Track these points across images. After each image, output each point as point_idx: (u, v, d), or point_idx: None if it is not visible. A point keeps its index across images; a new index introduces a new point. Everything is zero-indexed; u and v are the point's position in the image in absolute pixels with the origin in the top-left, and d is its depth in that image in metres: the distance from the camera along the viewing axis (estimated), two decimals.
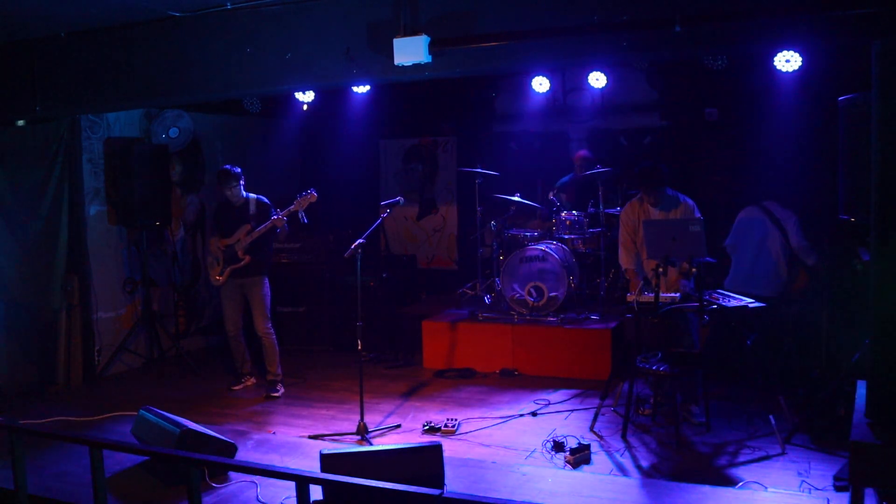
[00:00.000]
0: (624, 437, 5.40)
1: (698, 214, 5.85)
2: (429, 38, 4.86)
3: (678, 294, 5.46)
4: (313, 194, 6.44)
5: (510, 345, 7.25)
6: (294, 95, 7.82)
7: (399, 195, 6.29)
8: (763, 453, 5.02)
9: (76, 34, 6.21)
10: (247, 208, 6.74)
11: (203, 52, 5.80)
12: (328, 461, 4.22)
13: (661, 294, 5.27)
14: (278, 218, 6.56)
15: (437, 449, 4.33)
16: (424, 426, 5.75)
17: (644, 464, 4.98)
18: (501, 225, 7.98)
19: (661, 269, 5.25)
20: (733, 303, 5.43)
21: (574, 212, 7.71)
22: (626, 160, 8.09)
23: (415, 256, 9.93)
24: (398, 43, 4.91)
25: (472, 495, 2.95)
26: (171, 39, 5.90)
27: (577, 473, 4.84)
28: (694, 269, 5.20)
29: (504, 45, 4.91)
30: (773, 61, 6.22)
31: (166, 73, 5.98)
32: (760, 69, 6.89)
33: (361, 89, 7.22)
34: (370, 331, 7.62)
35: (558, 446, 5.19)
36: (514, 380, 7.02)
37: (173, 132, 8.14)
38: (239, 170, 6.76)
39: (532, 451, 5.22)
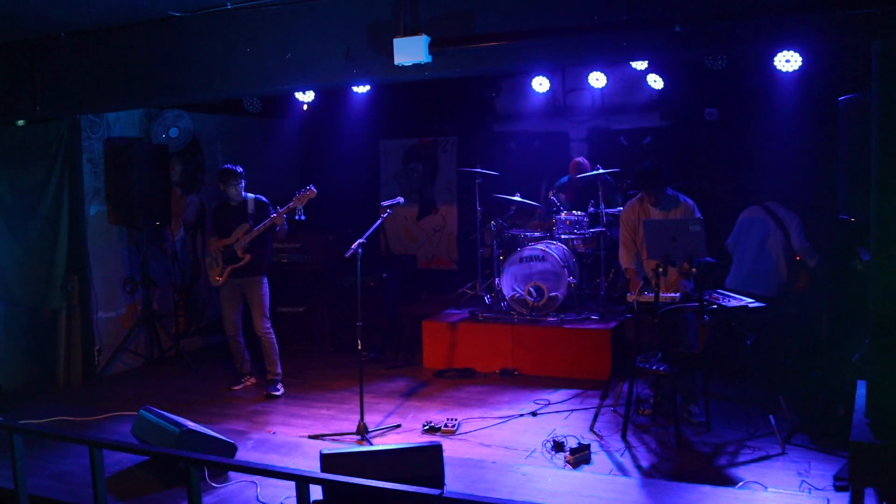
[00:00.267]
0: (624, 437, 5.40)
1: (698, 214, 5.85)
2: (429, 38, 4.87)
3: (678, 294, 5.46)
4: (312, 190, 6.44)
5: (510, 345, 7.25)
6: (294, 95, 7.82)
7: (399, 195, 6.29)
8: (763, 453, 5.02)
9: (76, 34, 6.22)
10: (245, 208, 6.74)
11: (203, 52, 5.81)
12: (328, 461, 4.22)
13: (661, 294, 5.27)
14: (277, 215, 6.56)
15: (437, 449, 4.33)
16: (424, 426, 5.75)
17: (644, 464, 4.98)
18: (501, 225, 7.98)
19: (661, 269, 5.25)
20: (733, 303, 5.43)
21: (574, 212, 7.72)
22: (626, 160, 8.09)
23: (415, 256, 9.93)
24: (398, 43, 4.91)
25: (472, 495, 2.95)
26: (171, 39, 5.90)
27: (577, 473, 4.84)
28: (694, 269, 5.20)
29: (504, 45, 4.91)
30: (773, 61, 6.22)
31: (166, 73, 5.98)
32: (760, 69, 6.90)
33: (361, 89, 7.22)
34: (370, 331, 7.64)
35: (558, 446, 5.19)
36: (514, 380, 7.02)
37: (173, 132, 8.14)
38: (241, 169, 6.76)
39: (532, 451, 5.22)
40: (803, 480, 4.56)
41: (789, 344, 6.44)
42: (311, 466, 4.59)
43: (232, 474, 4.80)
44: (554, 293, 7.29)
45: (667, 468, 4.89)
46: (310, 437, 5.64)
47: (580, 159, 8.24)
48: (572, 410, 6.06)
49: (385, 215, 5.89)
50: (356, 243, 5.63)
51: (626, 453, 5.15)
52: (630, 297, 5.59)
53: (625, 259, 6.09)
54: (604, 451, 5.20)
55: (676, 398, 5.39)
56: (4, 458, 4.26)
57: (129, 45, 6.06)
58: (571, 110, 9.10)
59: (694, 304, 5.28)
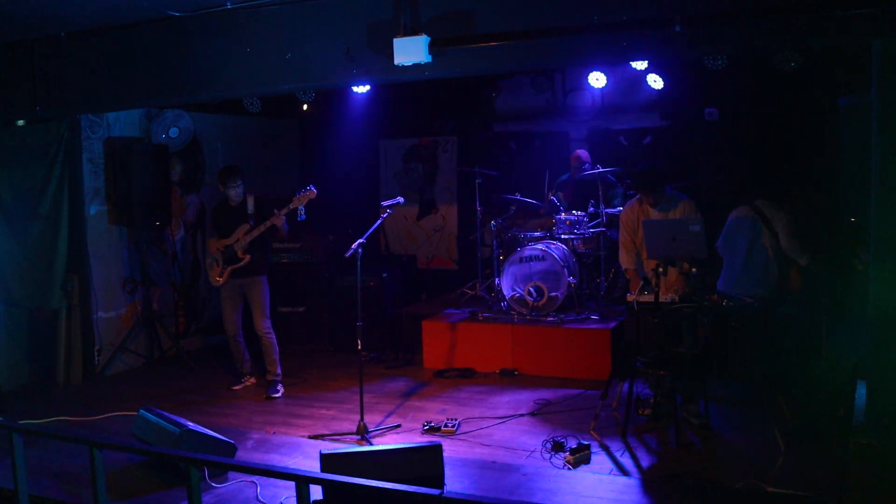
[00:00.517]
0: (624, 437, 5.40)
1: (698, 214, 5.84)
2: (429, 38, 4.86)
3: (678, 294, 5.46)
4: (313, 191, 6.44)
5: (510, 345, 7.25)
6: (295, 95, 7.82)
7: (399, 195, 6.29)
8: (763, 453, 5.02)
9: (76, 34, 6.21)
10: (245, 208, 6.74)
11: (203, 52, 5.81)
12: (328, 461, 4.23)
13: (661, 294, 5.27)
14: (276, 217, 6.57)
15: (437, 449, 4.33)
16: (424, 426, 5.75)
17: (644, 464, 4.98)
18: (501, 225, 7.98)
19: (661, 269, 5.25)
20: (733, 303, 5.43)
21: (574, 211, 7.72)
22: (626, 160, 8.10)
23: (415, 256, 9.93)
24: (398, 43, 4.91)
25: (472, 495, 2.95)
26: (171, 39, 5.90)
27: (577, 473, 4.84)
28: (694, 270, 5.20)
29: (504, 45, 4.91)
30: (773, 61, 6.21)
31: (166, 73, 5.98)
32: (760, 69, 6.89)
33: (361, 89, 7.22)
34: (370, 331, 7.63)
35: (558, 446, 5.19)
36: (514, 380, 7.02)
37: (173, 132, 8.14)
38: (241, 169, 6.76)
39: (532, 451, 5.22)
40: (803, 480, 4.56)
41: (789, 344, 6.43)
42: (311, 466, 4.59)
43: (232, 474, 4.80)
44: (554, 293, 7.29)
45: (667, 468, 4.89)
46: (310, 437, 5.64)
47: (580, 152, 8.25)
48: (572, 410, 6.06)
49: (385, 215, 5.89)
50: (356, 243, 5.63)
51: (626, 453, 5.15)
52: (630, 298, 5.59)
53: (624, 260, 6.09)
54: (604, 451, 5.20)
55: (676, 398, 5.38)
56: (4, 458, 4.26)
57: (129, 45, 6.06)
58: (571, 110, 9.11)
59: (694, 304, 5.28)
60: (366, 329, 5.92)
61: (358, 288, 5.73)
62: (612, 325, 7.04)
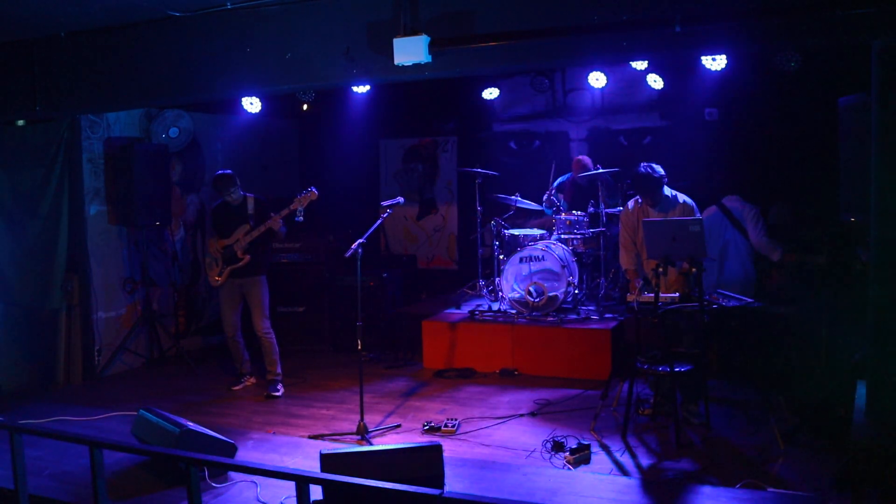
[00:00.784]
0: (624, 437, 5.40)
1: (698, 214, 5.85)
2: (429, 38, 4.87)
3: (678, 294, 5.46)
4: (314, 192, 6.43)
5: (510, 345, 7.25)
6: (295, 95, 7.83)
7: (399, 195, 6.29)
8: (763, 453, 5.02)
9: (76, 34, 6.22)
10: (245, 208, 6.74)
11: (203, 52, 5.81)
12: (328, 461, 4.22)
13: (661, 294, 5.27)
14: (274, 220, 6.56)
15: (437, 449, 4.33)
16: (424, 426, 5.75)
17: (644, 464, 4.98)
18: (501, 225, 7.98)
19: (661, 269, 5.25)
20: (733, 303, 5.43)
21: (574, 212, 7.72)
22: (626, 160, 8.09)
23: (415, 256, 9.93)
24: (398, 43, 4.91)
25: (472, 495, 2.94)
26: (171, 39, 5.90)
27: (577, 473, 4.84)
28: (694, 270, 5.20)
29: (504, 45, 4.91)
30: (773, 61, 6.22)
31: (166, 73, 5.98)
32: (760, 69, 6.90)
33: (361, 89, 7.22)
34: (370, 331, 7.63)
35: (558, 446, 5.19)
36: (514, 380, 7.02)
37: (173, 132, 8.15)
38: (232, 172, 6.75)
39: (532, 451, 5.22)
40: (803, 480, 4.56)
41: (789, 344, 6.43)
42: (311, 466, 4.59)
43: (232, 474, 4.80)
44: (554, 293, 7.29)
45: (667, 468, 4.89)
46: (310, 437, 5.64)
47: (582, 157, 8.25)
48: (572, 410, 6.06)
49: (385, 215, 5.89)
50: (356, 243, 5.63)
51: (626, 453, 5.15)
52: (630, 298, 5.58)
53: (625, 260, 6.09)
54: (604, 451, 5.20)
55: (676, 398, 5.39)
56: (4, 458, 4.26)
57: (129, 45, 6.06)
58: (571, 110, 9.11)
59: (694, 305, 5.28)
60: (366, 329, 5.92)
61: (358, 288, 5.73)
62: (612, 325, 7.04)
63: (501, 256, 7.82)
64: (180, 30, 5.83)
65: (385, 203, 5.90)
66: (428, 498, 2.93)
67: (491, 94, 8.78)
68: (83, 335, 7.35)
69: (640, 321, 5.43)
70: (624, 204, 6.45)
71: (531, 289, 7.35)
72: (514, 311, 7.45)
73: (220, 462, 3.97)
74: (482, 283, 8.23)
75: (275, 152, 9.82)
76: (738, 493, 4.41)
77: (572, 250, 7.65)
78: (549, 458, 5.08)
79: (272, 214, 6.59)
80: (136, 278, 7.93)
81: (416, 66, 4.96)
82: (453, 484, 4.53)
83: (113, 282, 7.74)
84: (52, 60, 6.34)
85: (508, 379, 7.04)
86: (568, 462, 4.97)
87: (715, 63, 6.49)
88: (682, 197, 5.92)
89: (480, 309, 7.71)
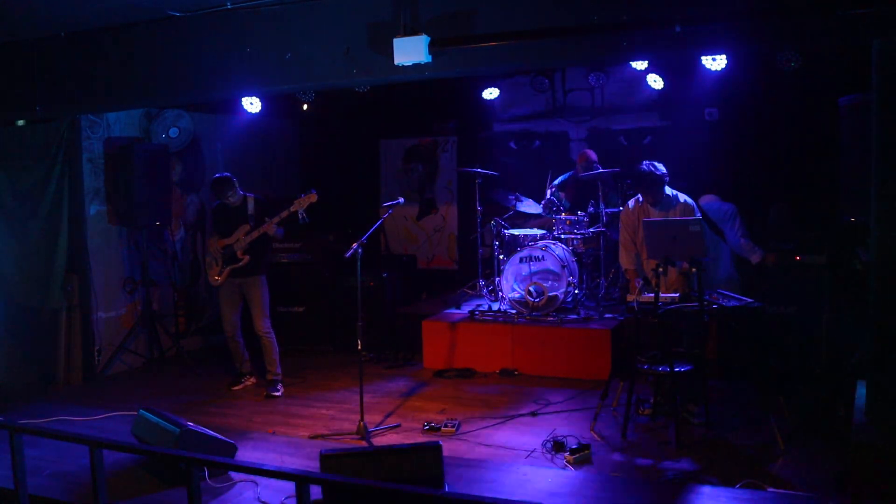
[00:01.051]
0: (624, 437, 5.40)
1: (698, 214, 5.85)
2: (429, 38, 4.87)
3: (678, 294, 5.46)
4: (313, 194, 6.43)
5: (510, 345, 7.25)
6: (294, 95, 7.83)
7: (399, 195, 6.29)
8: (763, 453, 5.02)
9: (76, 34, 6.22)
10: (245, 208, 6.74)
11: (203, 52, 5.81)
12: (328, 461, 4.22)
13: (661, 294, 5.27)
14: (268, 225, 6.55)
15: (437, 449, 4.33)
16: (424, 426, 5.75)
17: (644, 464, 4.98)
18: (501, 225, 7.98)
19: (661, 269, 5.25)
20: (733, 303, 5.43)
21: (575, 211, 7.72)
22: (626, 160, 8.10)
23: (415, 256, 9.93)
24: (398, 43, 4.91)
25: (472, 495, 2.95)
26: (171, 39, 5.91)
27: (577, 473, 4.84)
28: (693, 270, 5.20)
29: (504, 45, 4.91)
30: (773, 61, 6.22)
31: (166, 73, 5.98)
32: (760, 69, 6.90)
33: (361, 89, 7.22)
34: (370, 331, 7.63)
35: (558, 446, 5.19)
36: (514, 380, 7.01)
37: (173, 132, 8.15)
38: (230, 174, 6.74)
39: (532, 451, 5.22)
40: (803, 480, 4.56)
41: (789, 344, 6.43)
42: (311, 466, 4.59)
43: (232, 474, 4.80)
44: (554, 293, 7.29)
45: (667, 468, 4.89)
46: (310, 437, 5.64)
47: (588, 151, 8.26)
48: (572, 410, 6.06)
49: (385, 215, 5.90)
50: (356, 243, 5.63)
51: (626, 453, 5.15)
52: (630, 298, 5.58)
53: (624, 260, 6.09)
54: (604, 451, 5.20)
55: (676, 398, 5.39)
56: (4, 458, 4.26)
57: (128, 45, 6.06)
58: (571, 110, 9.12)
59: (694, 305, 5.28)
60: (366, 329, 5.92)
61: (358, 288, 5.73)
62: (612, 325, 7.04)
63: (501, 256, 7.82)
64: (180, 30, 5.83)
65: (386, 204, 5.91)
66: (428, 498, 2.93)
67: (491, 94, 8.78)
68: (83, 335, 7.34)
69: (640, 321, 5.43)
70: (624, 204, 6.46)
71: (531, 289, 7.35)
72: (514, 311, 7.45)
73: (220, 462, 3.98)
74: (482, 283, 8.23)
75: (275, 152, 9.82)
76: (738, 493, 4.41)
77: (572, 250, 7.65)
78: (550, 458, 5.08)
79: (267, 219, 6.58)
80: (136, 278, 7.93)
81: (416, 66, 4.96)
82: (453, 484, 4.53)
83: (113, 282, 7.74)
84: (52, 60, 6.34)
85: (508, 379, 7.04)
86: (568, 462, 4.97)
87: (715, 63, 6.50)
88: (682, 197, 5.93)
89: (480, 309, 7.71)
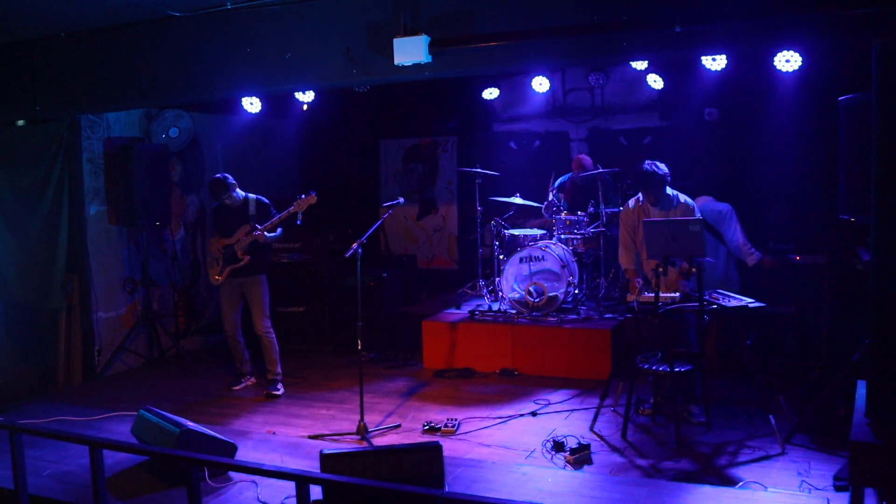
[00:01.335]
0: (624, 437, 5.40)
1: (698, 214, 5.85)
2: (429, 38, 4.87)
3: (678, 294, 5.46)
4: (313, 196, 6.43)
5: (510, 345, 7.25)
6: (294, 95, 7.83)
7: (399, 195, 6.30)
8: (763, 453, 5.02)
9: (76, 34, 6.22)
10: (246, 209, 6.74)
11: (203, 52, 5.81)
12: (328, 461, 4.22)
13: (661, 294, 5.27)
14: (260, 232, 6.54)
15: (437, 449, 4.33)
16: (424, 426, 5.75)
17: (644, 464, 4.98)
18: (501, 225, 7.98)
19: (661, 269, 5.25)
20: (733, 303, 5.43)
21: (575, 211, 7.72)
22: (626, 160, 8.10)
23: (415, 256, 9.93)
24: (398, 43, 4.91)
25: (472, 495, 2.95)
26: (171, 39, 5.91)
27: (577, 473, 4.84)
28: (693, 270, 5.20)
29: (504, 45, 4.91)
30: (773, 61, 6.22)
31: (166, 73, 5.98)
32: (760, 69, 6.89)
33: (361, 89, 7.22)
34: (370, 331, 7.63)
35: (558, 446, 5.19)
36: (514, 380, 7.02)
37: (173, 132, 8.15)
38: (227, 175, 6.74)
39: (532, 451, 5.22)
40: (803, 480, 4.56)
41: (789, 344, 6.43)
42: (311, 466, 4.60)
43: (232, 474, 4.81)
44: (554, 293, 7.29)
45: (667, 468, 4.89)
46: (310, 437, 5.64)
47: (583, 157, 8.26)
48: (572, 410, 6.06)
49: (385, 215, 5.90)
50: (356, 243, 5.63)
51: (626, 453, 5.15)
52: (630, 298, 5.58)
53: (624, 259, 6.09)
54: (604, 451, 5.20)
55: (676, 398, 5.39)
56: (4, 458, 4.26)
57: (129, 45, 6.06)
58: (571, 110, 9.12)
59: (694, 304, 5.28)
60: (366, 329, 5.92)
61: (358, 288, 5.73)
62: (612, 325, 7.04)
63: (501, 256, 7.82)
64: (180, 30, 5.83)
65: (387, 204, 5.91)
66: (428, 498, 2.93)
67: (491, 94, 8.78)
68: (83, 335, 7.34)
69: (640, 321, 5.43)
70: (623, 204, 6.46)
71: (531, 289, 7.35)
72: (514, 312, 7.45)
73: (220, 462, 3.98)
74: (482, 283, 8.23)
75: (275, 152, 9.81)
76: (738, 493, 4.42)
77: (572, 250, 7.65)
78: (550, 458, 5.08)
79: (258, 227, 6.57)
80: (136, 278, 7.93)
81: (416, 66, 4.96)
82: (453, 484, 4.53)
83: (113, 282, 7.74)
84: (52, 60, 6.34)
85: (508, 379, 7.04)
86: (568, 462, 4.97)
87: (715, 63, 6.50)
88: (682, 197, 5.93)
89: (480, 309, 7.71)
